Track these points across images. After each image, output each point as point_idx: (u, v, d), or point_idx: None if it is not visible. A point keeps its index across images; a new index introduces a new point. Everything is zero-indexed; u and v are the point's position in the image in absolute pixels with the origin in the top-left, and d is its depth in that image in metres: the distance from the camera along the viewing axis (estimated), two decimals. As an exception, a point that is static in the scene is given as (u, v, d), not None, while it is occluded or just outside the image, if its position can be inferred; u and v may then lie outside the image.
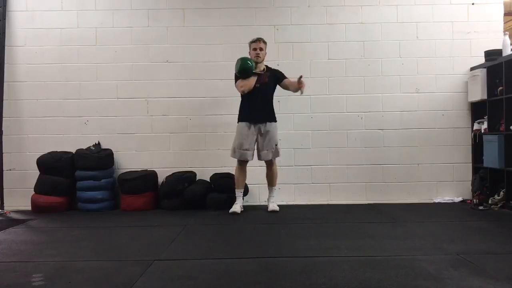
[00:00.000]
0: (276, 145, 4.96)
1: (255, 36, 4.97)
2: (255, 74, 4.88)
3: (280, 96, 5.51)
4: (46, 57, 5.53)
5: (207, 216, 4.83)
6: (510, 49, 5.10)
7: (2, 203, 5.32)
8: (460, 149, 5.56)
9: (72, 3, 5.55)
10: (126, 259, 3.25)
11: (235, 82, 4.95)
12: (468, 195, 5.45)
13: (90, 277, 2.84)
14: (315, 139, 5.55)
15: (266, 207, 5.29)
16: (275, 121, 4.98)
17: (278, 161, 5.51)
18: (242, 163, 4.95)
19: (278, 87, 5.03)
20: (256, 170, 5.49)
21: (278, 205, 5.03)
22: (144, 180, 5.26)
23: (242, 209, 4.96)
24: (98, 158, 5.27)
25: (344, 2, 5.57)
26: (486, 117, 5.27)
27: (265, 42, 4.99)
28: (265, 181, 5.27)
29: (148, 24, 5.56)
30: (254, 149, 4.94)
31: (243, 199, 5.08)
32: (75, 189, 5.29)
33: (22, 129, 5.52)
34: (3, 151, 5.40)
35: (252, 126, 4.89)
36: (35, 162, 5.27)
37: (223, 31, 5.56)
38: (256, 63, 4.91)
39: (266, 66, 5.04)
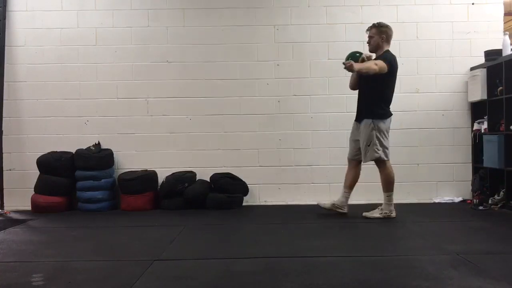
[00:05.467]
0: (368, 145, 4.46)
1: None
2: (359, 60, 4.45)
3: (280, 96, 5.53)
4: (46, 57, 5.53)
5: (207, 216, 4.83)
6: (510, 49, 5.10)
7: (2, 203, 5.32)
8: (460, 149, 5.56)
9: (72, 3, 5.54)
10: (126, 259, 3.25)
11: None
12: (468, 195, 5.45)
13: (90, 277, 2.84)
14: (315, 139, 5.54)
15: (266, 207, 5.32)
16: (370, 118, 4.47)
17: (278, 160, 5.52)
18: (348, 162, 4.73)
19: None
20: (256, 170, 5.51)
21: (278, 205, 5.01)
22: (144, 180, 5.26)
23: (344, 210, 4.63)
24: (98, 158, 5.27)
25: (344, 2, 5.57)
26: (486, 117, 5.27)
27: (375, 27, 4.52)
28: (265, 181, 5.29)
29: (148, 24, 5.56)
30: (355, 149, 4.64)
31: (347, 198, 4.65)
32: (75, 189, 5.29)
33: (22, 129, 5.52)
34: (3, 151, 5.40)
35: (357, 124, 4.65)
36: (35, 162, 5.27)
37: (223, 31, 5.56)
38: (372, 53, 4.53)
39: (381, 55, 4.50)
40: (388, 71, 4.39)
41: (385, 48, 4.53)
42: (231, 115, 5.54)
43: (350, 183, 4.67)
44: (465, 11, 5.56)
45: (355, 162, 4.66)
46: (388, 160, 4.54)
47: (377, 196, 5.48)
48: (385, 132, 4.51)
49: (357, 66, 4.31)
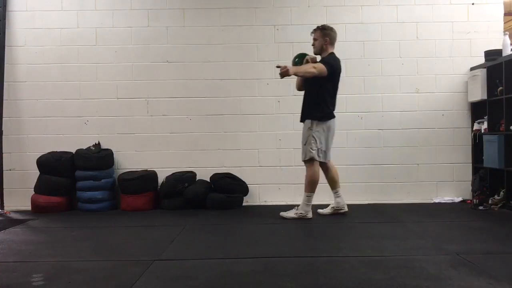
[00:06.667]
0: (304, 144, 4.52)
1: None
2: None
3: (280, 96, 5.54)
4: (46, 57, 5.52)
5: (207, 216, 4.83)
6: (510, 49, 5.10)
7: (2, 203, 5.32)
8: (460, 149, 5.56)
9: (72, 3, 5.54)
10: (126, 259, 3.25)
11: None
12: (468, 195, 5.45)
13: (90, 277, 2.84)
14: (315, 139, 5.53)
15: (266, 207, 5.31)
16: (310, 118, 4.53)
17: (278, 160, 5.53)
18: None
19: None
20: (256, 170, 5.51)
21: (278, 205, 5.02)
22: (144, 180, 5.26)
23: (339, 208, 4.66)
24: (98, 158, 5.27)
25: (344, 2, 5.57)
26: (486, 117, 5.27)
27: (319, 29, 4.56)
28: (265, 181, 5.27)
29: (148, 24, 5.56)
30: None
31: (340, 197, 4.68)
32: (75, 189, 5.29)
33: (22, 129, 5.52)
34: (3, 151, 5.40)
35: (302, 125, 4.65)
36: (35, 162, 5.27)
37: (223, 31, 5.56)
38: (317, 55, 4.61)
39: (323, 58, 4.57)
40: (328, 74, 4.42)
41: (330, 51, 4.57)
42: (231, 115, 5.55)
43: (333, 183, 4.68)
44: (465, 11, 5.56)
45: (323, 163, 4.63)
46: (323, 161, 4.54)
47: (377, 196, 5.52)
48: (322, 134, 4.50)
49: (293, 69, 4.39)
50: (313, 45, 4.61)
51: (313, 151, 4.46)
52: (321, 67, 4.40)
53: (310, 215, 4.53)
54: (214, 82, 5.56)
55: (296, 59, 4.65)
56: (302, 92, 5.09)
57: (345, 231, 4.04)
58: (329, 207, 4.74)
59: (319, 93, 4.51)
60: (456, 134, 5.57)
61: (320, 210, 4.76)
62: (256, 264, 3.05)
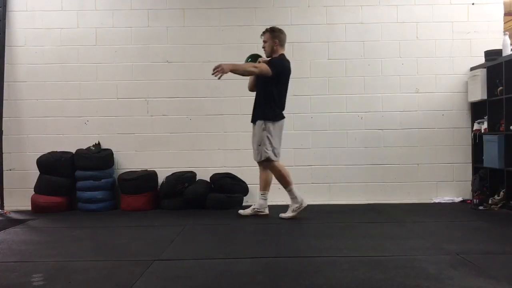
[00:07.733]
0: (259, 145, 4.53)
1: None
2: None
3: (280, 96, 5.53)
4: (46, 57, 5.53)
5: (207, 216, 4.83)
6: (510, 49, 5.10)
7: (2, 203, 5.32)
8: (460, 149, 5.56)
9: (72, 3, 5.55)
10: (126, 259, 3.25)
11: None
12: (468, 195, 5.45)
13: (90, 277, 2.84)
14: (315, 139, 5.54)
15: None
16: (262, 119, 4.52)
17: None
18: (258, 164, 4.73)
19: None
20: (256, 170, 5.49)
21: (278, 205, 5.00)
22: (144, 180, 5.26)
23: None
24: (98, 158, 5.27)
25: (344, 2, 5.57)
26: (486, 117, 5.27)
27: (268, 31, 4.58)
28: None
29: (148, 24, 5.56)
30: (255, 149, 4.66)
31: (265, 200, 4.71)
32: (75, 189, 5.29)
33: (22, 129, 5.52)
34: (3, 151, 5.40)
35: (253, 125, 4.68)
36: (35, 162, 5.27)
37: (223, 31, 5.56)
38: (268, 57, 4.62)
39: (271, 59, 4.58)
40: (274, 75, 4.43)
41: (280, 52, 4.58)
42: (231, 115, 5.55)
43: (264, 186, 4.68)
44: (465, 11, 5.57)
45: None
46: (278, 160, 4.59)
47: (377, 196, 5.52)
48: (276, 133, 4.55)
49: (230, 67, 4.36)
50: (263, 47, 4.63)
51: (269, 151, 4.50)
52: (263, 67, 4.42)
53: (304, 203, 4.56)
54: (214, 82, 5.52)
55: (249, 59, 4.65)
56: (302, 92, 5.13)
57: (345, 231, 4.04)
58: (250, 208, 4.73)
59: (268, 94, 4.53)
60: (456, 134, 5.57)
61: (240, 211, 4.78)
62: (256, 264, 3.05)
